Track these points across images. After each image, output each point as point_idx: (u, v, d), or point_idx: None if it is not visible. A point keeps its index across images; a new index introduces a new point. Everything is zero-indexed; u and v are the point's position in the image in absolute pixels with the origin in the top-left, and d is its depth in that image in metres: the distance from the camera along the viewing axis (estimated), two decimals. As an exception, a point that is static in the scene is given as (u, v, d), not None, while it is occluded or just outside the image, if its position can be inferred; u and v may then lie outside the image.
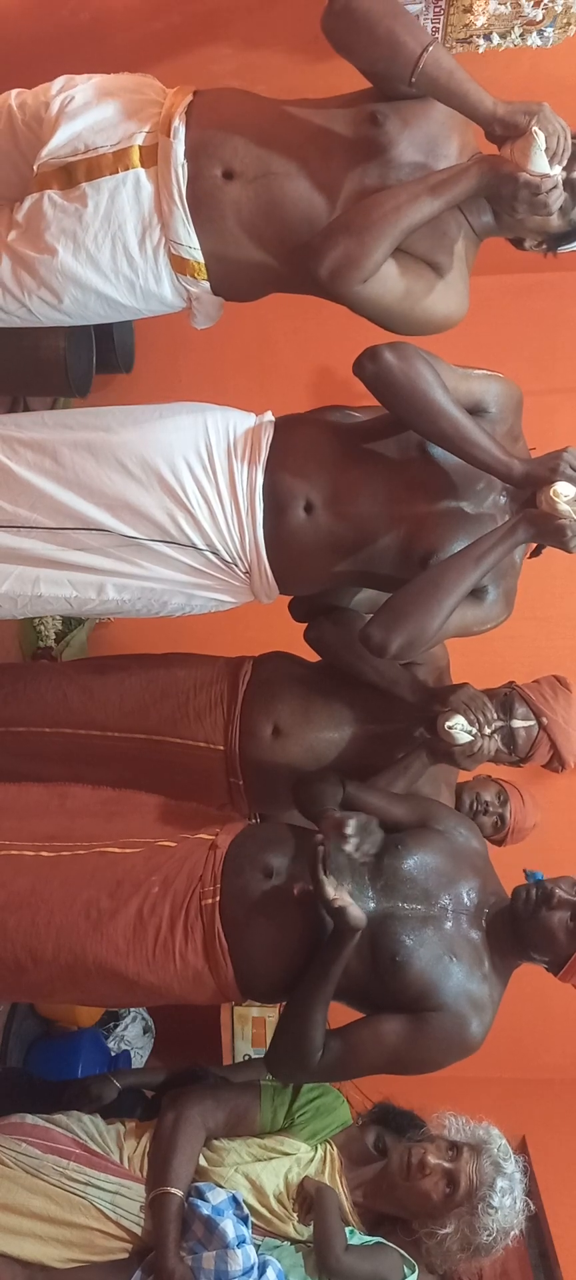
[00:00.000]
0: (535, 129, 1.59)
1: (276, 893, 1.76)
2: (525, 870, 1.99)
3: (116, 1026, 3.23)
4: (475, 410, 1.82)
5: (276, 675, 2.18)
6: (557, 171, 1.63)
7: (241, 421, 1.89)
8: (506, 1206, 1.91)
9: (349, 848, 1.66)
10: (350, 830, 1.67)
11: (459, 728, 1.90)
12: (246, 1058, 3.04)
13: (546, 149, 1.60)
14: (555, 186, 1.63)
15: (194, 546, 1.85)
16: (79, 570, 1.89)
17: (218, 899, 1.76)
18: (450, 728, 1.90)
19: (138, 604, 1.93)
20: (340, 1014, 1.79)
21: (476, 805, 2.49)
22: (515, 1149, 2.05)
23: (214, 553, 1.85)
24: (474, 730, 1.92)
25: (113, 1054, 3.15)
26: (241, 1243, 1.81)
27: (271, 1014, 3.00)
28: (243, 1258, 1.79)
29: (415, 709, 2.05)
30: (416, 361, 1.71)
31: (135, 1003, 2.96)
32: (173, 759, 2.15)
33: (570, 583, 3.07)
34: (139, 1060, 3.25)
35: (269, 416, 1.92)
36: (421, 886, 1.77)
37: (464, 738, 1.91)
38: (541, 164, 1.61)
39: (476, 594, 1.81)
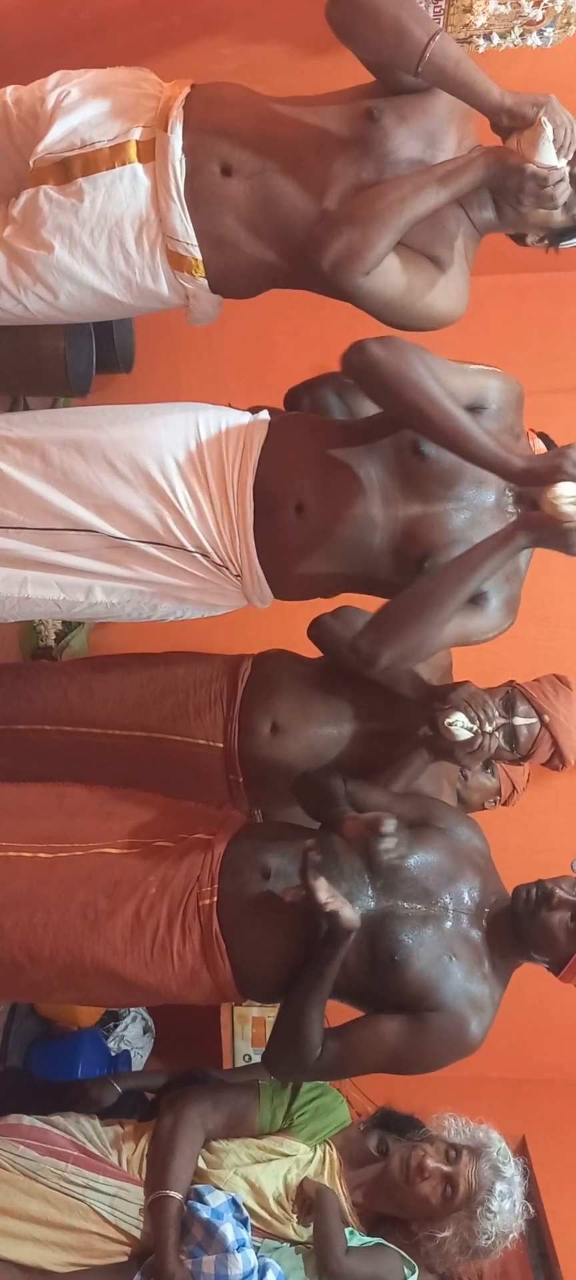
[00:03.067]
0: (543, 120, 1.58)
1: (274, 893, 1.75)
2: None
3: (116, 1026, 3.23)
4: (473, 406, 1.77)
5: (276, 672, 2.18)
6: (564, 164, 1.62)
7: (234, 421, 1.86)
8: (505, 1210, 1.91)
9: (387, 845, 1.64)
10: (390, 829, 1.64)
11: (459, 725, 1.90)
12: (246, 1058, 3.04)
13: (554, 140, 1.59)
14: (562, 179, 1.62)
15: (183, 548, 1.82)
16: (67, 572, 1.86)
17: (215, 899, 1.75)
18: (450, 724, 1.89)
19: (127, 607, 1.90)
20: (341, 1013, 1.79)
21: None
22: (515, 1149, 2.05)
23: (204, 555, 1.82)
24: (474, 727, 1.91)
25: (113, 1054, 3.15)
26: (241, 1246, 1.81)
27: (271, 1014, 2.97)
28: (243, 1261, 1.79)
29: (416, 707, 2.05)
30: (406, 353, 1.66)
31: (133, 1002, 2.96)
32: (172, 756, 2.16)
33: (570, 583, 3.07)
34: (139, 1060, 3.25)
35: (264, 416, 1.89)
36: (421, 885, 1.77)
37: (464, 735, 1.90)
38: (549, 155, 1.60)
39: (476, 601, 1.75)
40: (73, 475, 1.81)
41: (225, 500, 1.81)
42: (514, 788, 2.57)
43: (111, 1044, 3.19)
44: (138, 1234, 1.87)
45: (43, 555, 1.85)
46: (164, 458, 1.79)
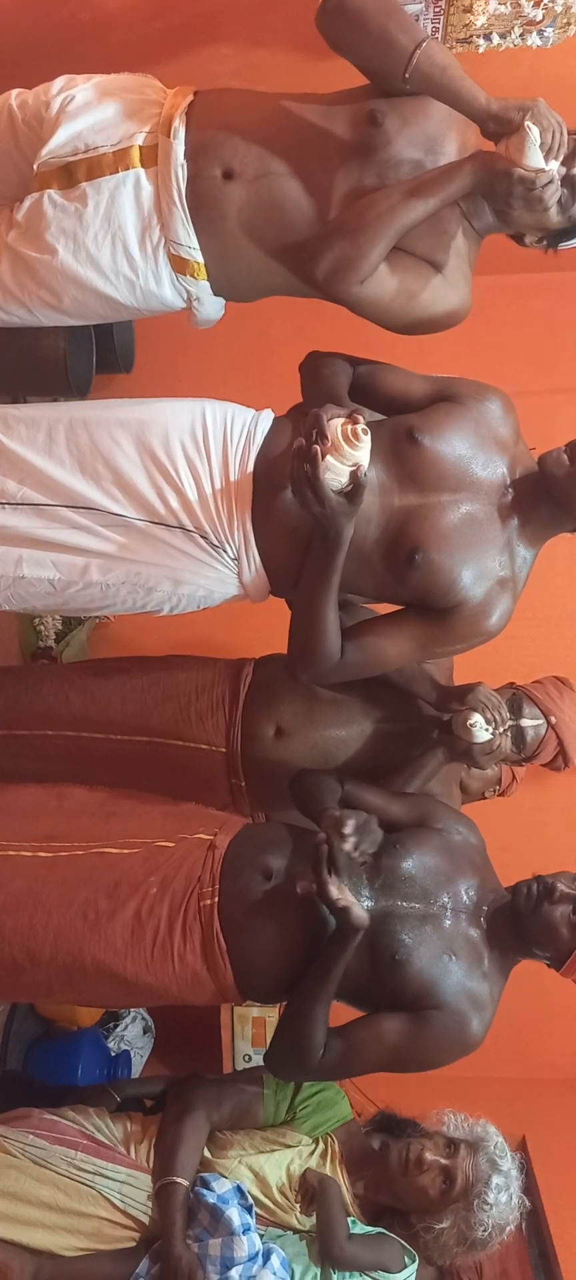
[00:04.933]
0: (528, 124, 1.58)
1: (275, 894, 1.76)
2: None
3: (116, 1026, 3.23)
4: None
5: (278, 676, 2.18)
6: (553, 167, 1.62)
7: (240, 412, 1.86)
8: (502, 1203, 1.93)
9: (347, 846, 1.65)
10: (348, 829, 1.65)
11: (479, 726, 1.92)
12: (246, 1058, 3.04)
13: (541, 144, 1.59)
14: (550, 182, 1.62)
15: (182, 528, 1.80)
16: (63, 550, 1.84)
17: (216, 900, 1.75)
18: (471, 726, 1.91)
19: (122, 590, 1.88)
20: (341, 1013, 1.79)
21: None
22: (514, 1149, 2.06)
23: (203, 535, 1.81)
24: (491, 728, 1.93)
25: (113, 1054, 3.15)
26: (247, 1230, 1.85)
27: (271, 1014, 3.00)
28: (248, 1244, 1.83)
29: (427, 707, 2.05)
30: None
31: (134, 1003, 2.96)
32: (174, 761, 2.16)
33: (570, 583, 3.07)
34: (139, 1060, 3.25)
35: (268, 412, 1.89)
36: (420, 885, 1.77)
37: (483, 736, 1.92)
38: (535, 159, 1.60)
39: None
40: (76, 451, 1.81)
41: (226, 479, 1.80)
42: (513, 777, 2.59)
43: (111, 1044, 3.19)
44: (146, 1220, 1.90)
45: (39, 532, 1.83)
46: (169, 437, 1.79)
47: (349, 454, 1.53)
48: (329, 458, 1.53)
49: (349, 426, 1.54)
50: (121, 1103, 2.37)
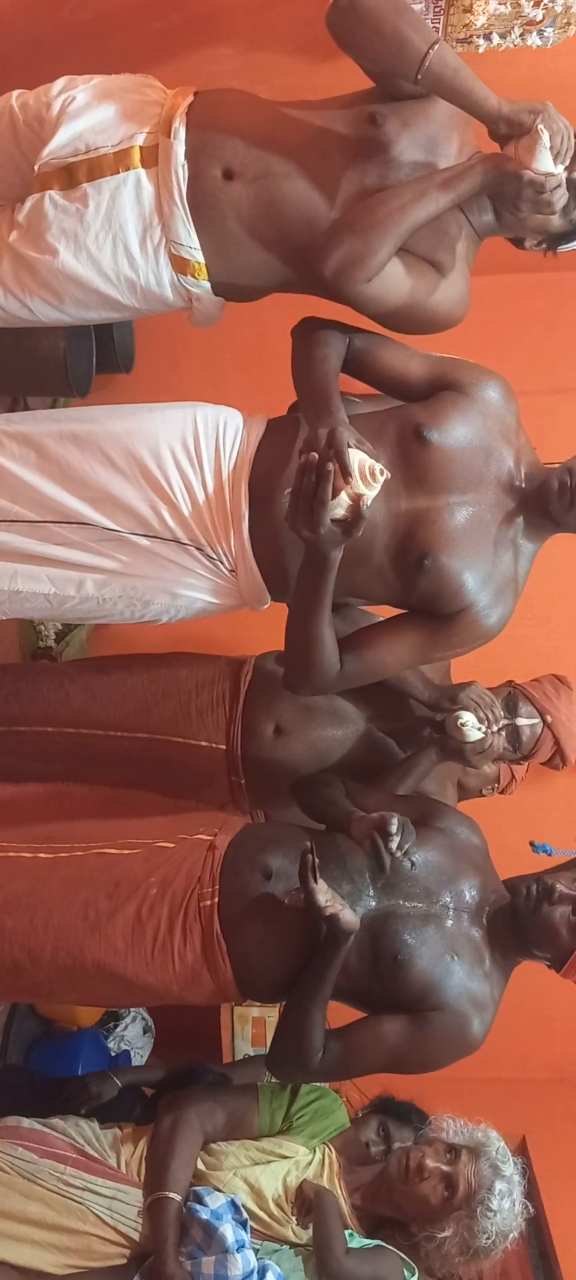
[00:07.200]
0: (540, 127, 1.59)
1: (275, 894, 1.75)
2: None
3: (116, 1026, 3.23)
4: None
5: (278, 674, 2.18)
6: (561, 170, 1.63)
7: (233, 417, 1.85)
8: (505, 1209, 1.91)
9: (395, 846, 1.63)
10: (394, 829, 1.62)
11: (470, 725, 1.92)
12: (246, 1057, 3.04)
13: (550, 147, 1.60)
14: (559, 185, 1.62)
15: (177, 541, 1.79)
16: (58, 565, 1.83)
17: (216, 900, 1.75)
18: (462, 725, 1.91)
19: (119, 604, 1.87)
20: (342, 1014, 1.79)
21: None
22: (515, 1149, 2.05)
23: (198, 548, 1.80)
24: (483, 728, 1.92)
25: (113, 1054, 3.15)
26: (241, 1247, 1.80)
27: (271, 1014, 3.00)
28: (242, 1262, 1.78)
29: (421, 707, 2.05)
30: None
31: (134, 1003, 2.97)
32: (174, 758, 2.16)
33: (570, 583, 3.07)
34: (139, 1060, 3.25)
35: (261, 416, 1.87)
36: (422, 885, 1.77)
37: (475, 735, 1.92)
38: (546, 162, 1.61)
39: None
40: (67, 467, 1.80)
41: (220, 490, 1.78)
42: (513, 776, 2.58)
43: (111, 1044, 3.19)
44: (136, 1236, 1.86)
45: (33, 548, 1.83)
46: (160, 448, 1.78)
47: (358, 485, 1.47)
48: None
49: (368, 465, 1.47)
50: (122, 1090, 2.37)
